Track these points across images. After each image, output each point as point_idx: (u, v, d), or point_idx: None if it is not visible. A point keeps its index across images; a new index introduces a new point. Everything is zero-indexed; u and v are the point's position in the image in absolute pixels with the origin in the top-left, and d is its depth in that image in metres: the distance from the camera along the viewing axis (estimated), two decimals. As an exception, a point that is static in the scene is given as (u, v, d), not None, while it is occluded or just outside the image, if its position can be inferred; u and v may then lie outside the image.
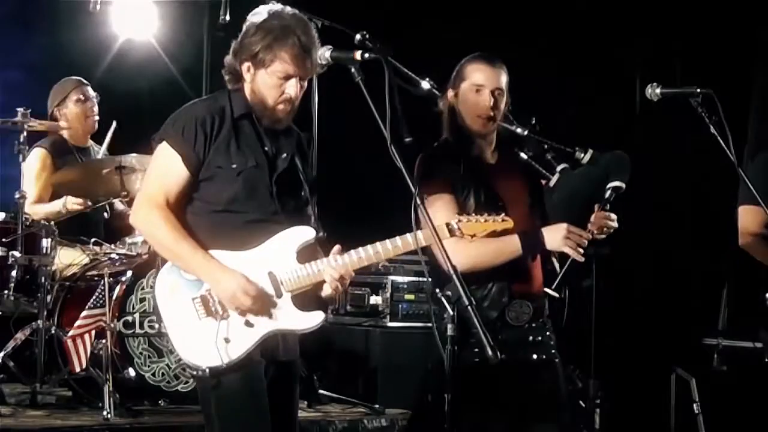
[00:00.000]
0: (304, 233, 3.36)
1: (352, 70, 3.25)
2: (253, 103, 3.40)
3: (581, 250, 3.57)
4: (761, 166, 4.63)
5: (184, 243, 3.25)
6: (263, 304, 3.25)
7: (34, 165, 5.61)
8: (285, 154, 3.45)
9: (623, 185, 3.65)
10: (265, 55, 3.32)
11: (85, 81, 5.90)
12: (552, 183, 3.75)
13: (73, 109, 5.81)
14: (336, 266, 3.29)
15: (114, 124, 5.89)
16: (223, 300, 3.23)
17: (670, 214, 6.80)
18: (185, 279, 3.27)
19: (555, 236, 3.60)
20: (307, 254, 3.34)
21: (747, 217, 4.50)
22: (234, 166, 3.33)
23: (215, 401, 3.25)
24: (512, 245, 3.61)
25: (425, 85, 3.70)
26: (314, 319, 3.33)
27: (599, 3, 6.91)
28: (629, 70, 6.77)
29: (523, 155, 3.80)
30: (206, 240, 3.29)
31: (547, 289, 3.67)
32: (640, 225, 6.68)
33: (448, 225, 3.35)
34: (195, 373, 3.23)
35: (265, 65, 3.34)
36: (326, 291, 3.33)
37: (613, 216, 3.66)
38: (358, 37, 3.21)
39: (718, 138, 3.74)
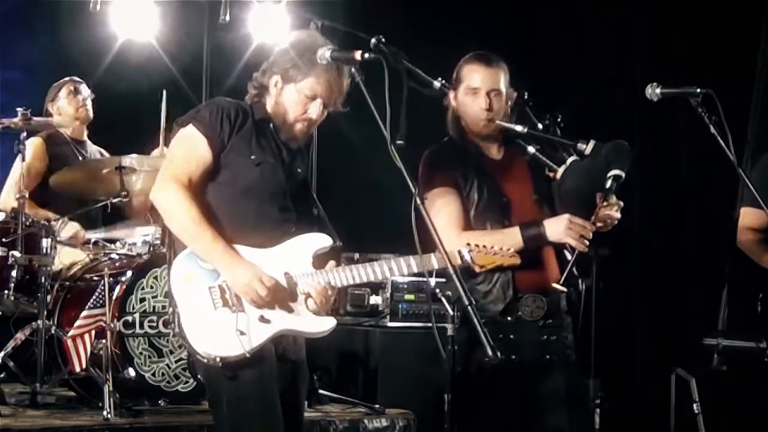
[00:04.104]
0: (321, 240, 3.40)
1: (352, 70, 3.26)
2: (274, 116, 3.45)
3: (585, 242, 3.56)
4: (762, 169, 4.66)
5: (207, 230, 3.25)
6: (278, 300, 3.27)
7: (27, 153, 5.55)
8: (300, 170, 3.52)
9: (623, 173, 3.61)
10: (299, 70, 3.37)
11: (78, 79, 5.98)
12: (559, 175, 3.74)
13: (65, 102, 5.89)
14: (315, 283, 3.30)
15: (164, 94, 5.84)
16: (238, 290, 3.25)
17: (670, 214, 6.81)
18: (202, 268, 3.28)
19: (557, 227, 3.59)
20: (322, 262, 3.37)
21: (747, 218, 4.60)
22: (253, 157, 3.37)
23: (227, 393, 3.24)
24: (513, 237, 3.60)
25: (437, 85, 3.71)
26: (326, 323, 3.35)
27: (599, 3, 6.92)
28: (629, 70, 6.77)
29: (531, 149, 3.79)
30: (224, 229, 3.30)
31: (554, 284, 3.62)
32: (641, 225, 6.69)
33: (459, 252, 3.38)
34: (205, 361, 3.21)
35: (296, 80, 3.39)
36: (311, 305, 3.33)
37: (616, 205, 3.63)
38: (373, 41, 3.21)
39: (718, 138, 3.73)
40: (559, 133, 3.81)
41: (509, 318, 3.64)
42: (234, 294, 3.26)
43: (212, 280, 3.27)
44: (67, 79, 5.96)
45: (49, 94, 5.94)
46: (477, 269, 3.41)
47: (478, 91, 3.74)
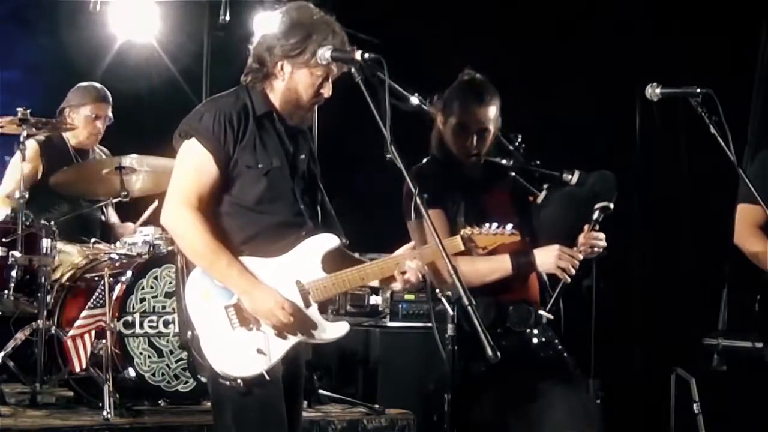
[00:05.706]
0: (329, 241, 3.36)
1: (352, 70, 3.25)
2: (284, 101, 3.38)
3: (572, 271, 3.60)
4: (761, 165, 4.65)
5: (221, 255, 3.22)
6: (295, 317, 3.23)
7: (18, 156, 5.36)
8: (303, 156, 3.47)
9: (611, 205, 3.68)
10: (309, 53, 3.31)
11: (109, 99, 5.86)
12: (540, 200, 3.78)
13: (82, 122, 5.77)
14: (415, 264, 3.29)
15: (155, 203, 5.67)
16: (259, 316, 3.22)
17: (670, 214, 6.81)
18: (217, 286, 3.25)
19: (547, 258, 3.64)
20: (330, 261, 3.34)
21: (744, 215, 4.58)
22: (260, 165, 3.32)
23: (235, 410, 3.23)
24: (503, 265, 3.65)
25: (414, 100, 3.71)
26: (340, 329, 3.34)
27: (599, 3, 6.92)
28: (629, 69, 6.77)
29: (512, 172, 3.82)
30: (236, 243, 3.27)
31: (541, 311, 3.71)
32: (641, 225, 6.69)
33: (462, 237, 3.37)
34: (227, 384, 3.20)
35: (308, 64, 3.32)
36: (410, 278, 3.30)
37: (602, 236, 3.69)
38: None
39: (718, 138, 3.73)
40: (522, 151, 3.84)
41: (498, 330, 3.66)
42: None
43: (227, 298, 3.24)
44: (97, 94, 5.81)
45: (73, 98, 5.79)
46: (480, 252, 3.40)
47: (466, 128, 3.74)
